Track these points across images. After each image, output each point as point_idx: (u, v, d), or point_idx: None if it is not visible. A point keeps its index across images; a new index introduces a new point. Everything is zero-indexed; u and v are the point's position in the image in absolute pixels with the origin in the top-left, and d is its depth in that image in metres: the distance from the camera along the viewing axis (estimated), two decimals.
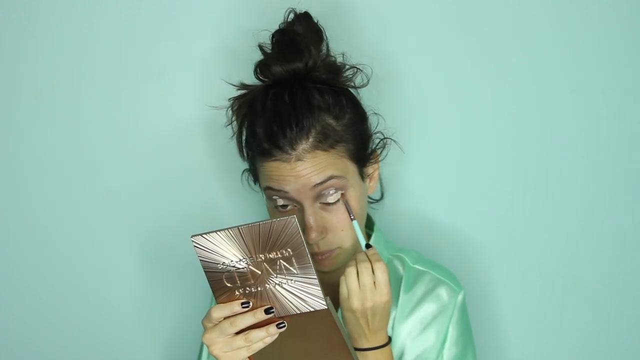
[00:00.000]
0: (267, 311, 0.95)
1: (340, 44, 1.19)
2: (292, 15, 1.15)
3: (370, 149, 1.16)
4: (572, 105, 1.33)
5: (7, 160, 1.39)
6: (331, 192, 1.08)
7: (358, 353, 1.08)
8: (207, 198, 1.40)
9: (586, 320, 1.40)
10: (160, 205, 1.41)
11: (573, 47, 1.31)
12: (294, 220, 0.90)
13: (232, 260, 0.94)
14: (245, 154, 1.18)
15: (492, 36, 1.31)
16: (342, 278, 1.05)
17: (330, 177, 1.07)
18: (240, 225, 0.92)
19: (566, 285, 1.39)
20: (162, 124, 1.37)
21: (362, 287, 1.03)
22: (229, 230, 0.92)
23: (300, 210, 1.09)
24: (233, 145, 1.30)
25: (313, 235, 1.08)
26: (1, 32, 1.34)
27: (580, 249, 1.38)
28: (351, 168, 1.11)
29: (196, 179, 1.40)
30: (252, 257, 0.93)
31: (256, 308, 0.96)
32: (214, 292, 0.96)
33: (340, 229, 1.10)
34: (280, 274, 0.94)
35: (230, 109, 1.17)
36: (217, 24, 1.33)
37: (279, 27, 1.16)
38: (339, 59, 1.16)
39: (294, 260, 0.93)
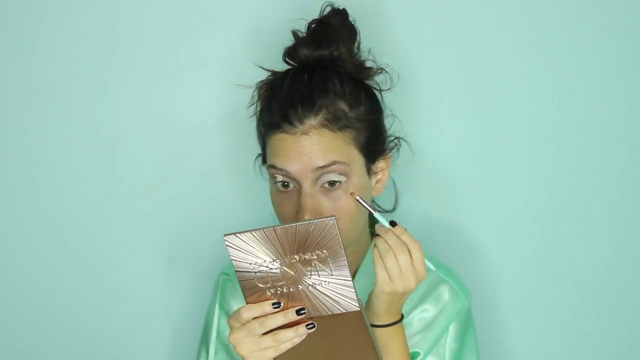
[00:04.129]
0: (298, 312, 0.95)
1: (372, 45, 1.21)
2: (329, 9, 1.18)
3: (381, 146, 1.17)
4: (573, 105, 1.34)
5: (9, 160, 1.39)
6: (334, 177, 1.08)
7: (382, 330, 1.07)
8: (216, 196, 1.40)
9: (590, 320, 1.41)
10: (169, 204, 1.41)
11: (574, 46, 1.32)
12: (333, 221, 0.89)
13: (265, 261, 0.93)
14: (259, 133, 1.19)
15: (497, 38, 1.33)
16: (379, 262, 1.03)
17: (334, 162, 1.07)
18: (277, 226, 0.91)
19: (570, 286, 1.39)
20: (170, 122, 1.37)
21: (404, 270, 1.02)
22: (264, 230, 0.91)
23: (299, 191, 1.09)
24: (240, 144, 1.32)
25: (307, 217, 1.07)
26: (13, 31, 1.35)
27: (584, 249, 1.39)
28: (357, 158, 1.11)
29: (204, 177, 1.39)
30: (286, 257, 0.92)
31: (287, 309, 0.95)
32: (243, 291, 0.95)
33: (337, 217, 1.08)
34: (314, 274, 0.93)
35: (257, 91, 1.20)
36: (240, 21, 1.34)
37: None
38: (365, 55, 1.19)
39: (329, 261, 0.92)
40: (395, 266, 1.02)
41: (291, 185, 1.10)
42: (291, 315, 0.95)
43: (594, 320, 1.41)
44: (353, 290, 0.94)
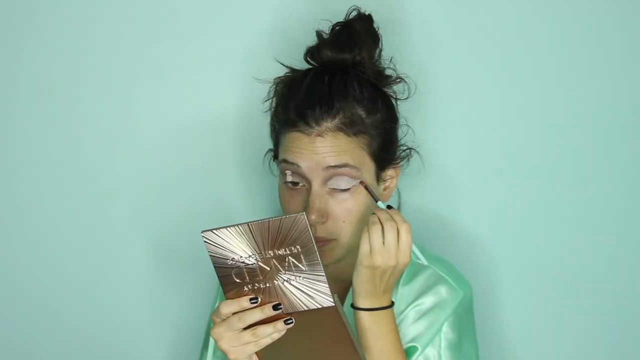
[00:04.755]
0: (275, 307, 0.97)
1: (392, 53, 1.21)
2: (354, 13, 1.19)
3: (392, 155, 1.18)
4: (575, 107, 1.34)
5: (7, 161, 1.40)
6: (343, 179, 1.09)
7: (365, 313, 1.07)
8: (213, 196, 1.41)
9: (589, 319, 1.40)
10: (166, 203, 1.42)
11: (575, 47, 1.32)
12: (303, 217, 0.91)
13: (241, 256, 0.95)
14: (273, 128, 1.20)
15: (502, 39, 1.33)
16: (365, 235, 1.04)
17: (345, 165, 1.09)
18: (250, 222, 0.93)
19: (570, 285, 1.39)
20: (169, 122, 1.38)
21: (387, 245, 1.03)
22: (239, 226, 0.93)
23: (308, 190, 1.10)
24: (239, 144, 1.33)
25: (313, 216, 1.08)
26: (13, 31, 1.35)
27: (585, 248, 1.38)
28: (368, 164, 1.12)
29: (202, 176, 1.41)
30: (261, 253, 0.94)
31: (264, 304, 0.97)
32: (223, 287, 0.98)
33: (342, 219, 1.11)
34: (288, 270, 0.95)
35: (274, 87, 1.20)
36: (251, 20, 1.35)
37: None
38: (386, 63, 1.20)
39: (302, 257, 0.94)
40: (379, 240, 1.03)
41: (300, 184, 1.11)
42: (268, 311, 0.97)
43: (594, 319, 1.40)
44: (327, 285, 0.95)
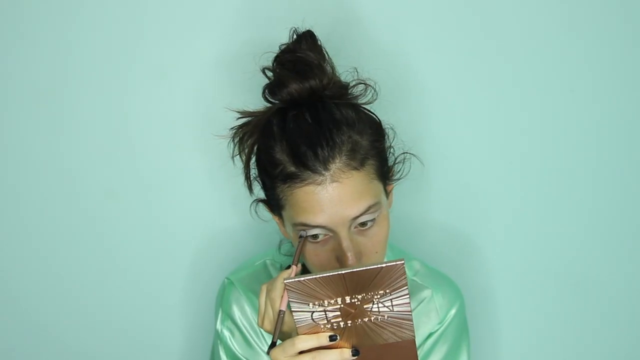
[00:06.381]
0: (354, 353, 0.95)
1: (348, 59, 1.16)
2: (294, 35, 1.11)
3: (389, 164, 1.11)
4: (576, 107, 1.35)
5: (7, 161, 1.36)
6: (368, 218, 1.03)
7: None
8: (214, 196, 1.39)
9: (587, 324, 1.43)
10: (162, 206, 1.39)
11: (576, 47, 1.33)
12: (402, 265, 0.89)
13: (325, 302, 0.92)
14: (261, 184, 1.11)
15: (501, 38, 1.32)
16: None
17: (368, 209, 1.02)
18: (344, 271, 0.89)
19: (567, 289, 1.42)
20: (171, 122, 1.35)
21: None
22: (330, 275, 0.90)
23: (335, 238, 1.03)
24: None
25: (350, 262, 1.03)
26: (13, 31, 1.31)
27: (584, 251, 1.40)
28: (380, 188, 1.06)
29: (196, 180, 1.38)
30: (347, 296, 0.92)
31: (343, 346, 0.95)
32: (296, 324, 0.94)
33: (375, 251, 1.06)
34: (374, 311, 0.93)
35: (232, 140, 1.11)
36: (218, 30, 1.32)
37: (281, 47, 1.11)
38: (352, 74, 1.12)
39: (391, 299, 0.92)
40: None
41: (321, 236, 1.03)
42: (347, 356, 0.95)
43: (593, 323, 1.44)
44: (411, 322, 0.94)
